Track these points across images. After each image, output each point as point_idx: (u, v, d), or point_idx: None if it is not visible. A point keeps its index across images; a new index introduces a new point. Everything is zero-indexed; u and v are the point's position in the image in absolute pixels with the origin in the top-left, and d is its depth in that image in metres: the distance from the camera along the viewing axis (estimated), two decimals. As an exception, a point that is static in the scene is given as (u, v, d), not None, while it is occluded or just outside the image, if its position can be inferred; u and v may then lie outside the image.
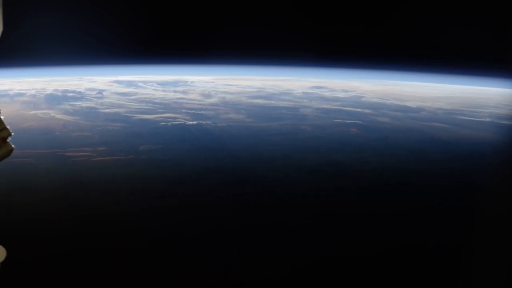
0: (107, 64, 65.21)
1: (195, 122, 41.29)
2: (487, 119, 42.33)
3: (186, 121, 41.70)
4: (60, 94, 52.63)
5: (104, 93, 53.60)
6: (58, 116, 43.36)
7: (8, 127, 4.09)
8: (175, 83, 60.83)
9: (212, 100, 52.13)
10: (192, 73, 65.90)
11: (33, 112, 44.39)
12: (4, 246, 4.39)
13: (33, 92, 52.91)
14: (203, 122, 41.62)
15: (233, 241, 20.21)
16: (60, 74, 62.50)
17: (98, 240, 19.46)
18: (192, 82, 61.72)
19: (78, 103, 48.69)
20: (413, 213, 23.59)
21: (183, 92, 56.60)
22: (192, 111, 45.68)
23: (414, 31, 55.66)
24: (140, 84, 59.58)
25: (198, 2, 54.84)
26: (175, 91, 56.67)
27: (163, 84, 60.12)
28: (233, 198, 25.31)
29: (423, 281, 16.96)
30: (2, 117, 4.06)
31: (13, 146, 4.17)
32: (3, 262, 4.32)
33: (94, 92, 53.57)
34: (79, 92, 53.21)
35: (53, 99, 50.04)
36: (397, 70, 64.98)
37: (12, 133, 4.12)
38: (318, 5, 57.39)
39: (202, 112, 45.62)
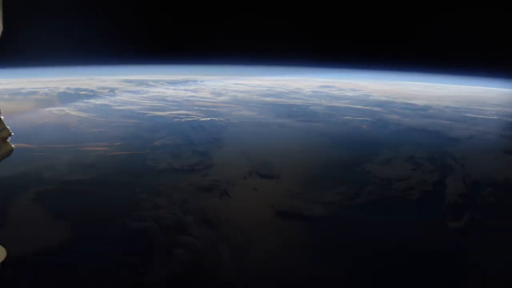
0: (114, 64, 66.04)
1: (208, 119, 41.73)
2: (493, 117, 42.71)
3: (199, 117, 42.15)
4: (72, 92, 53.39)
5: (116, 91, 54.35)
6: (73, 113, 43.93)
7: (8, 127, 4.04)
8: (185, 82, 61.55)
9: (224, 98, 52.78)
10: (201, 72, 66.73)
11: (47, 109, 45.01)
12: (5, 245, 4.39)
13: (46, 90, 53.63)
14: (216, 118, 42.06)
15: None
16: (70, 74, 63.24)
17: (104, 236, 19.79)
18: (201, 81, 62.46)
19: (91, 100, 49.42)
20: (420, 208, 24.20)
21: (194, 90, 57.27)
22: (204, 108, 46.30)
23: (418, 31, 56.48)
24: (151, 83, 60.40)
25: (206, 3, 55.64)
26: (186, 90, 57.34)
27: (173, 83, 60.80)
28: (242, 194, 25.87)
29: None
30: (2, 117, 4.00)
31: (13, 146, 4.11)
32: (3, 262, 4.31)
33: (106, 90, 54.36)
34: (91, 90, 53.97)
35: (66, 97, 50.71)
36: (403, 70, 65.93)
37: (12, 133, 4.07)
38: (323, 7, 58.29)
39: (214, 109, 46.22)
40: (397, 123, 40.88)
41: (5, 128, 4.06)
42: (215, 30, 59.55)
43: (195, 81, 62.96)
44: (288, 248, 19.81)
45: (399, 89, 58.22)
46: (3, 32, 4.04)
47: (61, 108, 45.82)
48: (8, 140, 4.11)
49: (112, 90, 54.63)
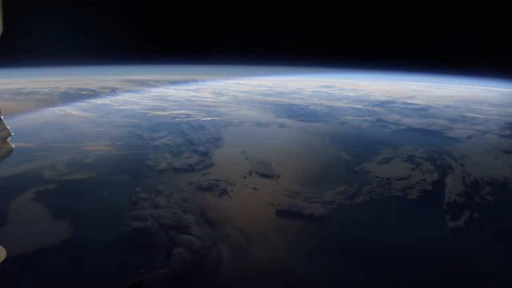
0: (116, 64, 66.22)
1: (208, 118, 41.81)
2: (493, 117, 42.60)
3: (199, 117, 42.25)
4: (73, 92, 53.76)
5: (117, 91, 54.58)
6: (74, 112, 44.14)
7: (8, 127, 4.05)
8: (186, 82, 61.77)
9: (224, 98, 52.95)
10: (202, 72, 67.05)
11: (49, 109, 45.22)
12: (5, 244, 4.34)
13: (47, 90, 53.88)
14: (217, 118, 42.17)
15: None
16: (71, 74, 63.48)
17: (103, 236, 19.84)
18: (202, 81, 62.67)
19: (93, 100, 49.65)
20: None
21: (195, 90, 57.45)
22: (205, 108, 46.43)
23: (418, 32, 56.55)
24: (152, 83, 60.68)
25: (210, 4, 55.73)
26: (187, 90, 57.51)
27: (174, 83, 61.04)
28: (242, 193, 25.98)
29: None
30: (2, 117, 4.00)
31: (13, 146, 4.12)
32: (3, 262, 4.29)
33: (107, 90, 54.61)
34: (93, 90, 54.27)
35: (67, 96, 51.01)
36: (403, 70, 65.98)
37: (12, 133, 4.07)
38: (323, 7, 58.33)
39: (214, 109, 46.36)
40: (397, 122, 40.89)
41: (5, 128, 4.05)
42: (217, 30, 59.61)
43: (196, 81, 63.17)
44: (288, 246, 19.87)
45: (399, 89, 58.20)
46: (3, 32, 4.02)
47: (62, 107, 46.06)
48: (8, 140, 4.09)
49: (113, 90, 54.85)
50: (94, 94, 52.62)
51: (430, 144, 33.84)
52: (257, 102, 50.06)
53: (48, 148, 32.22)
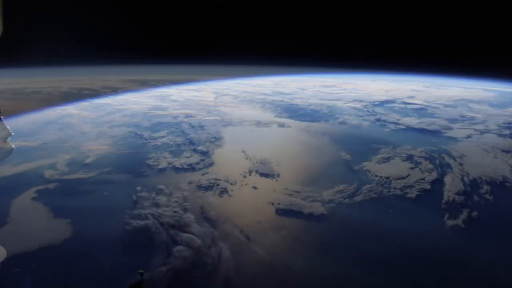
0: (118, 64, 66.39)
1: (209, 118, 42.03)
2: (492, 116, 42.51)
3: (200, 117, 42.46)
4: (75, 91, 54.06)
5: (119, 91, 54.87)
6: (75, 112, 44.39)
7: (8, 127, 4.21)
8: (187, 82, 62.00)
9: (225, 97, 53.20)
10: (203, 72, 67.20)
11: (51, 108, 45.47)
12: (5, 243, 4.51)
13: (49, 90, 54.15)
14: (217, 118, 42.41)
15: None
16: (73, 74, 63.66)
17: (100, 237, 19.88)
18: (203, 81, 62.86)
19: (94, 100, 49.89)
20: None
21: (196, 90, 57.78)
22: (205, 108, 46.68)
23: (418, 32, 56.70)
24: (153, 82, 60.90)
25: (210, 4, 55.90)
26: (188, 89, 57.85)
27: (175, 83, 61.27)
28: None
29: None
30: (2, 117, 4.13)
31: (13, 146, 4.29)
32: (3, 262, 4.51)
33: (109, 90, 54.85)
34: (95, 90, 54.53)
35: (69, 96, 51.31)
36: (403, 70, 66.06)
37: (12, 133, 4.21)
38: (324, 7, 58.51)
39: (215, 108, 46.53)
40: (397, 122, 40.88)
41: (5, 128, 4.11)
42: (217, 30, 59.78)
43: (197, 81, 63.37)
44: (288, 245, 19.99)
45: (399, 89, 58.15)
46: (4, 32, 4.07)
47: (64, 107, 46.27)
48: (8, 140, 4.19)
49: (115, 90, 55.10)
50: (96, 94, 52.86)
51: (429, 144, 33.84)
52: (258, 102, 50.17)
53: (48, 148, 32.50)
